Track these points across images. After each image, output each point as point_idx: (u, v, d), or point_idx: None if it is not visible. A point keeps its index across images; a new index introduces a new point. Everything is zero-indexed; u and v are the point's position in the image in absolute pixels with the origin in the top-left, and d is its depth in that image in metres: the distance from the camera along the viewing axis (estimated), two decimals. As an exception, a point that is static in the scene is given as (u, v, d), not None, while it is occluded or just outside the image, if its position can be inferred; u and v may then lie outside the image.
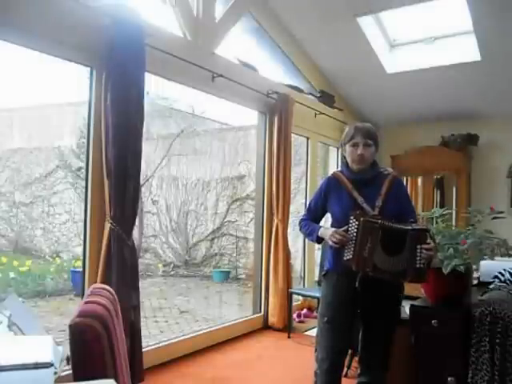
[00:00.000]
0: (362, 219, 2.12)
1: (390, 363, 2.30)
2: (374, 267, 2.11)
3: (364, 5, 4.59)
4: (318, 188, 2.46)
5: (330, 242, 2.22)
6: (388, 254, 2.10)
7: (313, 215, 2.44)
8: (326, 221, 2.65)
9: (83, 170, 7.09)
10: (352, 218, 2.16)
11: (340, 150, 2.44)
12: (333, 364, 2.26)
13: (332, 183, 2.37)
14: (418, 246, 2.08)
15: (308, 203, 2.53)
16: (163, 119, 9.04)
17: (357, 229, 2.13)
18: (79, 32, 2.93)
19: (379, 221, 2.12)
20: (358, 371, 2.40)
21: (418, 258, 2.09)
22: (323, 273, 2.40)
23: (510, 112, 5.68)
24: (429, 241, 2.12)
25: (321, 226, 2.37)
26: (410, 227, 2.13)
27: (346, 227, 2.18)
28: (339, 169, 2.46)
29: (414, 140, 6.14)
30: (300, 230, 2.50)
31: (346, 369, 3.18)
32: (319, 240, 2.35)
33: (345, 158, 2.36)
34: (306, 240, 5.28)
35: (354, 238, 2.14)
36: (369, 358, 2.33)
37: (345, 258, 2.17)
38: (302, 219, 2.49)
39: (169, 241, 9.42)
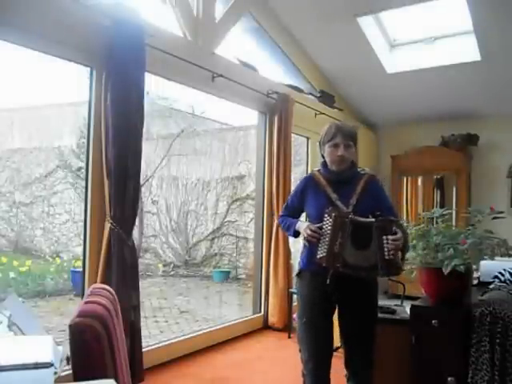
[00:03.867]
0: (333, 215, 2.10)
1: (373, 361, 2.26)
2: (344, 263, 2.07)
3: (364, 5, 4.59)
4: (296, 186, 2.44)
5: (304, 236, 2.21)
6: (357, 249, 2.07)
7: (291, 213, 2.42)
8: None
9: (83, 170, 7.10)
10: (326, 215, 2.12)
11: (319, 149, 2.35)
12: (317, 364, 2.23)
13: (309, 183, 2.33)
14: (384, 237, 2.04)
15: (286, 201, 2.52)
16: (163, 119, 9.03)
17: (331, 226, 2.11)
18: (79, 32, 2.93)
19: (349, 216, 2.09)
20: (347, 376, 2.33)
21: (386, 250, 2.04)
22: (296, 273, 2.37)
23: (510, 112, 5.69)
24: (397, 231, 2.07)
25: (298, 220, 2.36)
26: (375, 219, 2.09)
27: (320, 224, 2.15)
28: (317, 168, 2.40)
29: (414, 140, 6.15)
30: (281, 227, 2.53)
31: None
32: (296, 234, 2.31)
33: (323, 156, 2.31)
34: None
35: (327, 235, 2.11)
36: (351, 359, 2.28)
37: (318, 256, 2.13)
38: (280, 215, 2.48)
39: (169, 241, 9.41)
